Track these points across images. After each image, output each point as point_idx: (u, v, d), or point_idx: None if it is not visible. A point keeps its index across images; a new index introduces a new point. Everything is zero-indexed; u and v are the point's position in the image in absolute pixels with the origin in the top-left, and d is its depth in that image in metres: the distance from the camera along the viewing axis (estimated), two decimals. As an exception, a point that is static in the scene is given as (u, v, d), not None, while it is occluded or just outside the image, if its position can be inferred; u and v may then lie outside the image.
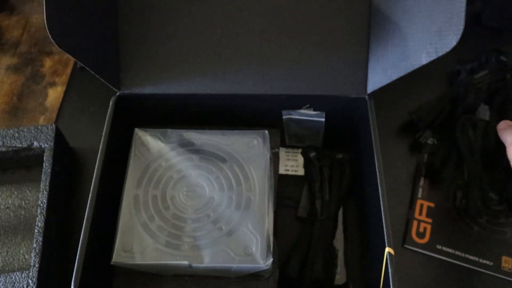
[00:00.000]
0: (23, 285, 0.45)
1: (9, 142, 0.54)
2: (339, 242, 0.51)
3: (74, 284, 0.39)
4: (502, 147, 0.50)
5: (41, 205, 0.49)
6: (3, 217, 0.54)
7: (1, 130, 0.54)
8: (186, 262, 0.42)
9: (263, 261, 0.42)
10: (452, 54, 0.41)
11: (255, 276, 0.45)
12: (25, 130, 0.54)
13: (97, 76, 0.47)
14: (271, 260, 0.43)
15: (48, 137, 0.54)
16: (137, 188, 0.47)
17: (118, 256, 0.43)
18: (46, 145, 0.53)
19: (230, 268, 0.43)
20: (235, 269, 0.43)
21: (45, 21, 0.41)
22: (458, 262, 0.51)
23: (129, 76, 0.51)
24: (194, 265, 0.42)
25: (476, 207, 0.52)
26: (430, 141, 0.58)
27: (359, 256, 0.51)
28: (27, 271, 0.46)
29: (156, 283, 0.45)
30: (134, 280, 0.45)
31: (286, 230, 0.53)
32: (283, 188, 0.55)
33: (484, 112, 0.58)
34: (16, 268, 0.50)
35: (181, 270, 0.44)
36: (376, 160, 0.44)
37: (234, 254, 0.43)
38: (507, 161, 0.48)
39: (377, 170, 0.44)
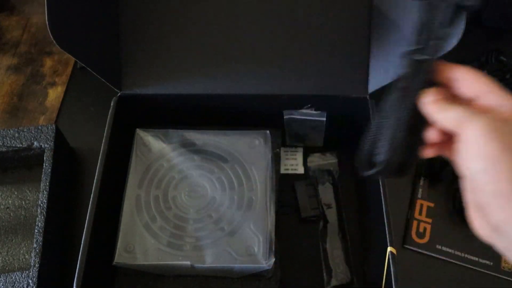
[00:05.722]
0: (23, 285, 0.45)
1: (9, 142, 0.54)
2: (332, 242, 0.51)
3: (76, 285, 0.39)
4: None
5: (41, 205, 0.49)
6: (3, 217, 0.53)
7: (1, 130, 0.54)
8: (188, 262, 0.42)
9: (265, 261, 0.42)
10: (452, 54, 0.42)
11: (257, 276, 0.45)
12: (25, 130, 0.54)
13: (98, 76, 0.47)
14: (273, 260, 0.43)
15: (48, 137, 0.53)
16: (138, 189, 0.47)
17: (120, 257, 0.43)
18: (46, 145, 0.53)
19: (232, 268, 0.43)
20: (237, 269, 0.43)
21: (47, 22, 0.41)
22: (458, 262, 0.51)
23: (130, 77, 0.50)
24: (196, 265, 0.42)
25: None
26: (430, 141, 0.58)
27: (361, 256, 0.51)
28: (27, 271, 0.46)
29: (158, 284, 0.45)
30: (136, 281, 0.45)
31: (287, 230, 0.53)
32: (284, 188, 0.55)
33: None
34: (16, 268, 0.50)
35: (183, 271, 0.44)
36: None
37: (236, 254, 0.43)
38: None
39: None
